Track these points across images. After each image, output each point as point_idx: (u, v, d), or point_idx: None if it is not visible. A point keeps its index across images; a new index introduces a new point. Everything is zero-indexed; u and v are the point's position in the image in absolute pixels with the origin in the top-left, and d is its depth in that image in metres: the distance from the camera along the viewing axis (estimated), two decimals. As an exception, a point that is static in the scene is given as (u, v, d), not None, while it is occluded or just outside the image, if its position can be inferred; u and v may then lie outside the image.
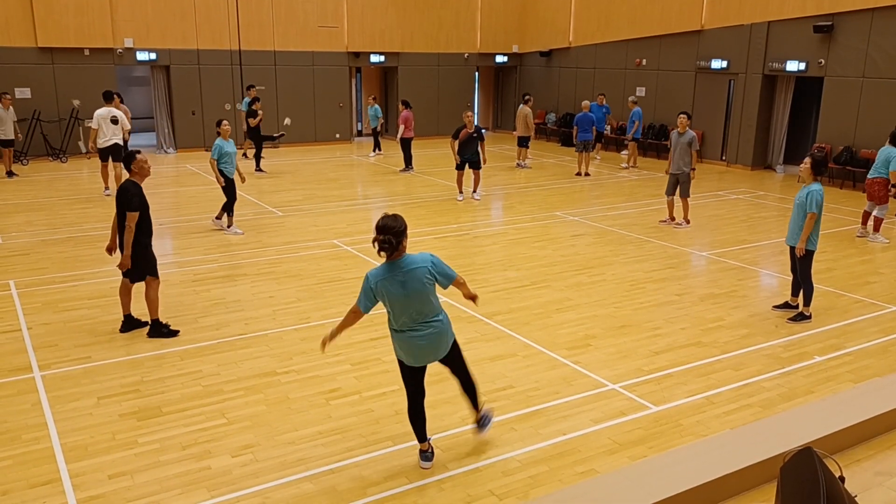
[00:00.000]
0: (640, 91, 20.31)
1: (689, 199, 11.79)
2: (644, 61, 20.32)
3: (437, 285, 4.65)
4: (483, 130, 14.15)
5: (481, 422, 5.18)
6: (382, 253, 4.50)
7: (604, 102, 19.04)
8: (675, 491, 4.29)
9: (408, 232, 4.55)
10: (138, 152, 7.03)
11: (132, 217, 6.75)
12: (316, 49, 21.28)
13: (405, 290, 4.52)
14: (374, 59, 22.52)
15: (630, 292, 8.60)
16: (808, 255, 7.55)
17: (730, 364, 6.60)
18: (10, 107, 15.84)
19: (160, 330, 7.09)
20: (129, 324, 7.21)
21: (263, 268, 9.47)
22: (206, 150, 18.61)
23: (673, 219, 12.01)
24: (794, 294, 7.92)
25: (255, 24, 20.29)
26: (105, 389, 5.98)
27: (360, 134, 24.92)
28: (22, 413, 5.59)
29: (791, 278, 7.98)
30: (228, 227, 11.26)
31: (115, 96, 14.02)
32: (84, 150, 18.29)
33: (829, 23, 15.76)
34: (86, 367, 6.41)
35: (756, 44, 17.39)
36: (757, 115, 17.64)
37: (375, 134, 19.87)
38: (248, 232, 11.28)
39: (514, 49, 24.68)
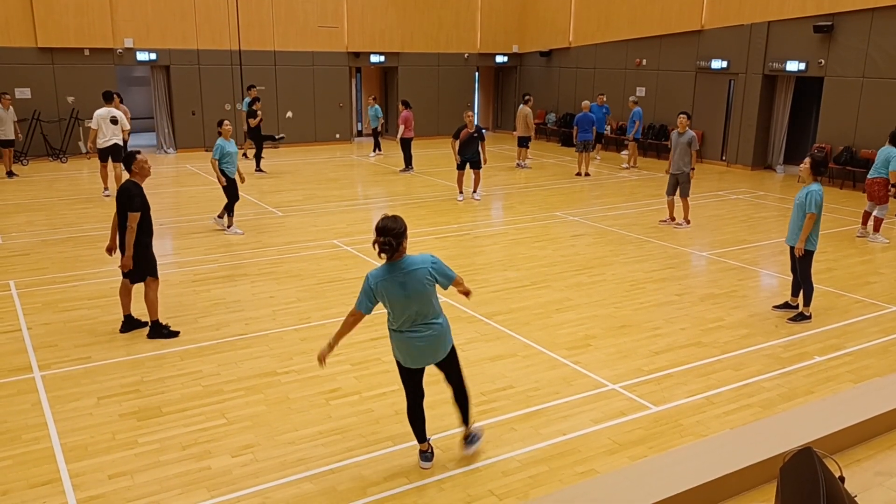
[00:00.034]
0: (640, 91, 20.31)
1: (689, 199, 11.80)
2: (644, 61, 20.32)
3: (437, 286, 4.65)
4: (484, 130, 14.15)
5: (469, 439, 5.03)
6: (383, 255, 4.50)
7: (604, 102, 19.04)
8: (675, 491, 4.30)
9: (408, 233, 4.55)
10: (138, 152, 7.03)
11: (134, 217, 6.75)
12: (316, 49, 21.28)
13: (405, 291, 4.52)
14: (374, 59, 22.52)
15: (630, 292, 8.60)
16: (808, 255, 7.55)
17: (730, 364, 6.60)
18: (10, 107, 15.84)
19: (160, 331, 7.09)
20: (130, 324, 7.22)
21: (264, 268, 9.48)
22: (207, 151, 18.63)
23: (673, 219, 12.01)
24: (794, 294, 7.92)
25: (255, 24, 20.29)
26: (105, 389, 5.99)
27: (360, 134, 24.91)
28: (22, 413, 5.60)
29: (791, 278, 7.98)
30: (228, 227, 11.27)
31: (114, 96, 14.02)
32: (84, 151, 18.29)
33: (829, 23, 15.75)
34: (86, 367, 6.41)
35: (756, 44, 17.38)
36: (757, 115, 17.63)
37: (375, 134, 19.88)
38: (248, 232, 11.28)
39: (514, 49, 24.68)
